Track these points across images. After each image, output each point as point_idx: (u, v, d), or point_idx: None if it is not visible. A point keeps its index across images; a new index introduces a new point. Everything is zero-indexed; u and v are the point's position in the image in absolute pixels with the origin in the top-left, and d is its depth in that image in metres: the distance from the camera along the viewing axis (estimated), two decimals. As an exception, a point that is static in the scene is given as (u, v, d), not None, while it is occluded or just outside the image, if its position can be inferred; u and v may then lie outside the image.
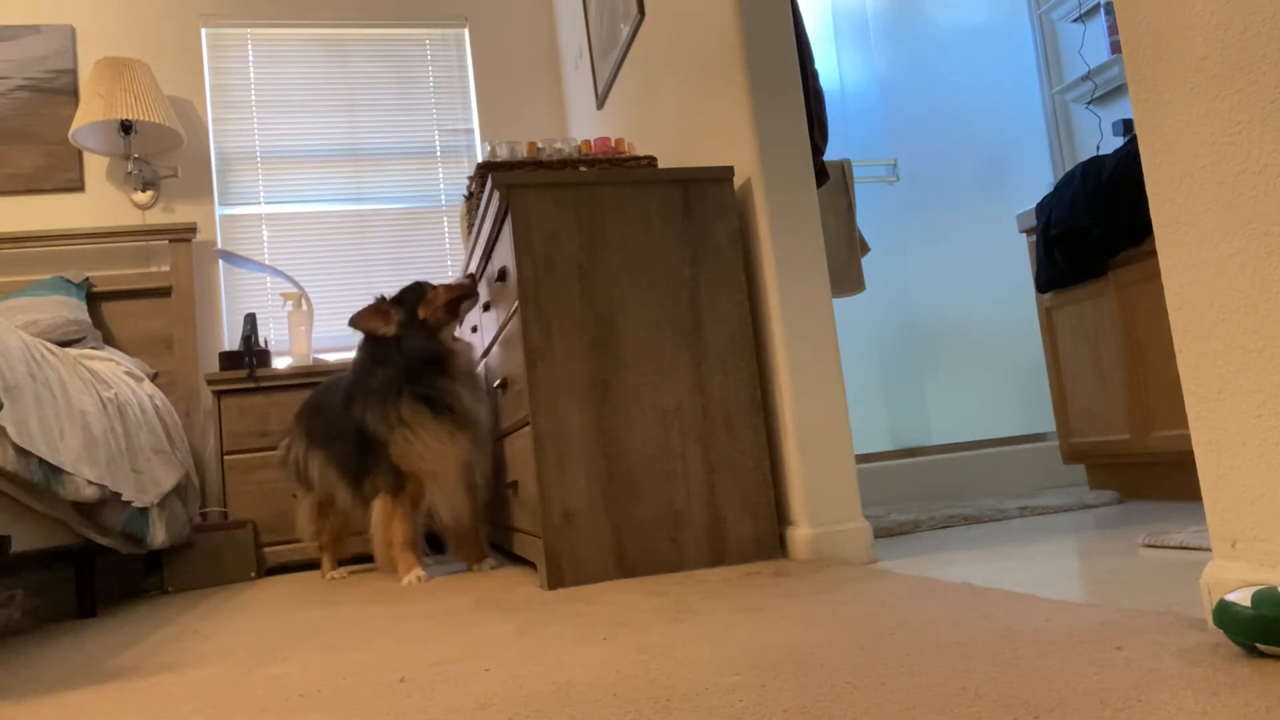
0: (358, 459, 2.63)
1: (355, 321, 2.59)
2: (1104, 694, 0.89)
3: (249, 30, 4.16)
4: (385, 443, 2.52)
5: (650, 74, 3.03)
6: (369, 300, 2.68)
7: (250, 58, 4.16)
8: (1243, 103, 1.00)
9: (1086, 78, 3.67)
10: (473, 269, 2.93)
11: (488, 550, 2.76)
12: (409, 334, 2.55)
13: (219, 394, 3.47)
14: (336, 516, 3.00)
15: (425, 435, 2.49)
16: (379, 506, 2.60)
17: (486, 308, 2.76)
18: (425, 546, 3.22)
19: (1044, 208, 3.04)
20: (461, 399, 2.53)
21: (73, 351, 2.81)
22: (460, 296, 2.63)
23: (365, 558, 3.50)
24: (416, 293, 2.62)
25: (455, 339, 2.67)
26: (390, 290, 2.75)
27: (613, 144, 2.59)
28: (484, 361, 2.93)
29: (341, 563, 3.21)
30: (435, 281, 2.82)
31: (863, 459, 3.57)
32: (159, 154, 3.95)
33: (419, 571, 2.52)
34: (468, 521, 2.67)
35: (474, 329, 3.12)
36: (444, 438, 2.50)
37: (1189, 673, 0.93)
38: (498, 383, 2.61)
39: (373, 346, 2.60)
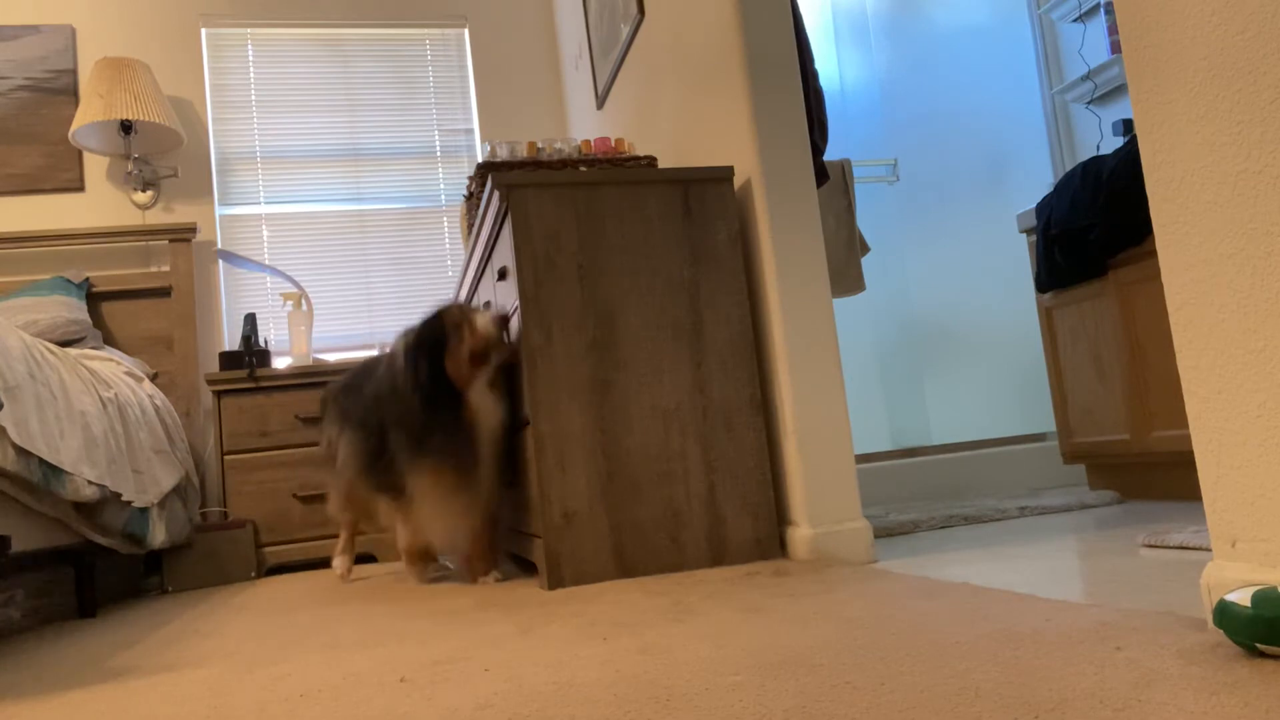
0: (379, 454, 2.50)
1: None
2: (1104, 694, 0.89)
3: (249, 30, 4.17)
4: (399, 465, 2.40)
5: (650, 74, 3.03)
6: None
7: (250, 58, 4.16)
8: (1243, 103, 1.00)
9: (1086, 78, 3.67)
10: (473, 269, 2.93)
11: (496, 562, 2.54)
12: (433, 394, 2.31)
13: (219, 394, 3.47)
14: (357, 506, 2.82)
15: (431, 484, 2.33)
16: (384, 509, 2.55)
17: (486, 307, 2.75)
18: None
19: (1044, 208, 3.04)
20: (479, 456, 2.33)
21: (73, 351, 2.81)
22: (486, 350, 2.32)
23: (369, 558, 3.50)
24: (437, 336, 2.32)
25: (492, 379, 2.39)
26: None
27: (613, 144, 2.60)
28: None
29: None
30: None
31: (863, 459, 3.57)
32: (159, 154, 3.95)
33: (415, 583, 2.41)
34: (465, 546, 2.48)
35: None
36: (449, 496, 2.34)
37: (1189, 673, 0.93)
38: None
39: (401, 368, 2.39)
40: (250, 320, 3.63)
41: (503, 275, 2.37)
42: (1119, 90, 3.60)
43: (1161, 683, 0.91)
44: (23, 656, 1.95)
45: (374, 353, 2.85)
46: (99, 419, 2.46)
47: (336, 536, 3.07)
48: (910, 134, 4.61)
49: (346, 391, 2.78)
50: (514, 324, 2.29)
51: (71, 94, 3.91)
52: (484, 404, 2.32)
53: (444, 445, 2.29)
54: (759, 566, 2.08)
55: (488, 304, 2.74)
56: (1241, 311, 1.02)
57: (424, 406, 2.30)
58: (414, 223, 4.20)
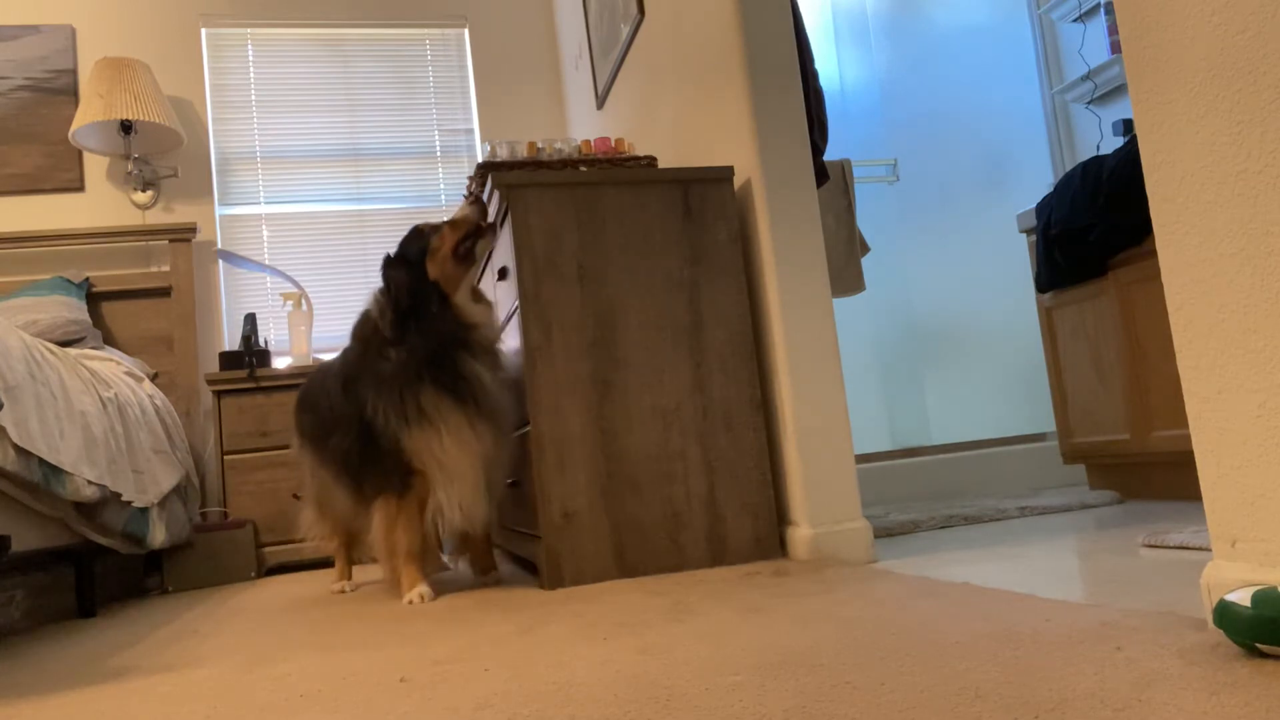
0: (360, 455, 2.26)
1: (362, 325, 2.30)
2: (1104, 694, 0.89)
3: (249, 30, 4.17)
4: (397, 437, 2.17)
5: (650, 74, 3.03)
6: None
7: (250, 58, 4.16)
8: (1243, 103, 1.00)
9: (1086, 78, 3.67)
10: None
11: (494, 562, 2.45)
12: (423, 309, 2.16)
13: (219, 394, 3.47)
14: (338, 520, 2.63)
15: (445, 430, 2.14)
16: (381, 510, 2.25)
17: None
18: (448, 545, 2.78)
19: (1044, 208, 3.04)
20: (483, 382, 2.16)
21: (73, 351, 2.81)
22: (467, 236, 2.19)
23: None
24: (419, 245, 2.21)
25: (476, 292, 2.26)
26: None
27: (613, 144, 2.59)
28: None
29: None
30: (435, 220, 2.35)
31: (863, 459, 3.57)
32: (159, 154, 3.95)
33: (423, 589, 2.17)
34: (480, 529, 2.35)
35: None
36: (464, 432, 2.14)
37: (1189, 673, 0.93)
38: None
39: (379, 324, 2.23)
40: (250, 320, 3.63)
41: (503, 275, 2.37)
42: (1119, 90, 3.60)
43: (1161, 683, 0.91)
44: (23, 656, 1.95)
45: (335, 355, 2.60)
46: (99, 419, 2.46)
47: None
48: (910, 134, 4.60)
49: (302, 407, 2.59)
50: (515, 322, 2.29)
51: (71, 94, 3.91)
52: (474, 309, 2.20)
53: (450, 366, 2.13)
54: (759, 566, 2.08)
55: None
56: (1241, 311, 1.02)
57: (405, 327, 2.14)
58: (414, 222, 4.19)
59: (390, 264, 2.24)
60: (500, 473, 2.31)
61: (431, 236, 2.22)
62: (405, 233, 2.31)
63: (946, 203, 4.42)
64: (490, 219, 2.25)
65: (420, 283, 2.18)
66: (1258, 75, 0.98)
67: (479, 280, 2.28)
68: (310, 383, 2.62)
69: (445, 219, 2.28)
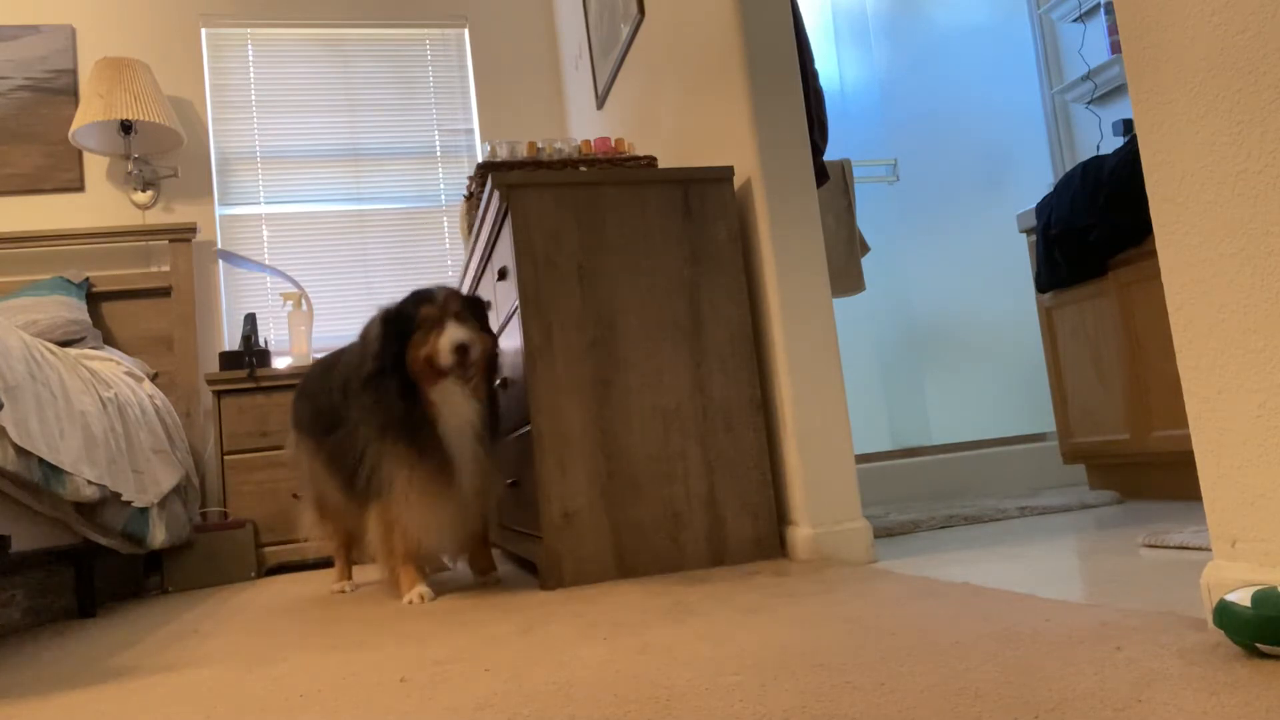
0: (354, 454, 2.26)
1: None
2: (1104, 694, 0.89)
3: (249, 30, 4.17)
4: (367, 456, 2.20)
5: (650, 74, 3.03)
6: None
7: (250, 58, 4.16)
8: (1243, 103, 1.00)
9: (1086, 78, 3.67)
10: (473, 269, 2.93)
11: (493, 562, 2.45)
12: (387, 375, 2.15)
13: (219, 394, 3.47)
14: (338, 520, 2.64)
15: (413, 480, 2.15)
16: (376, 512, 2.25)
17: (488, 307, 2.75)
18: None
19: (1044, 208, 3.04)
20: (455, 456, 2.16)
21: (73, 351, 2.81)
22: (438, 363, 2.13)
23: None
24: (411, 318, 2.17)
25: (466, 383, 2.18)
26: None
27: (613, 144, 2.59)
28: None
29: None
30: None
31: (863, 459, 3.57)
32: (159, 154, 3.95)
33: (422, 589, 2.18)
34: (471, 546, 2.38)
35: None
36: (431, 492, 2.16)
37: (1189, 673, 0.93)
38: (498, 381, 2.60)
39: (369, 345, 2.22)
40: (250, 320, 3.63)
41: (503, 275, 2.37)
42: (1119, 90, 3.60)
43: (1161, 683, 0.91)
44: (23, 656, 1.95)
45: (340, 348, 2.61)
46: (99, 419, 2.46)
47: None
48: (910, 134, 4.60)
49: (301, 397, 2.61)
50: (515, 322, 2.29)
51: (71, 94, 3.91)
52: (448, 400, 2.16)
53: (411, 436, 2.13)
54: (759, 566, 2.08)
55: (488, 304, 2.68)
56: (1241, 311, 1.02)
57: (382, 387, 2.15)
58: (414, 223, 4.20)
59: (379, 320, 2.20)
60: (486, 496, 2.29)
61: (420, 327, 2.15)
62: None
63: (946, 203, 4.42)
64: (490, 347, 2.18)
65: (394, 359, 2.15)
66: (1258, 75, 0.98)
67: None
68: (309, 377, 2.63)
69: (455, 309, 2.17)
